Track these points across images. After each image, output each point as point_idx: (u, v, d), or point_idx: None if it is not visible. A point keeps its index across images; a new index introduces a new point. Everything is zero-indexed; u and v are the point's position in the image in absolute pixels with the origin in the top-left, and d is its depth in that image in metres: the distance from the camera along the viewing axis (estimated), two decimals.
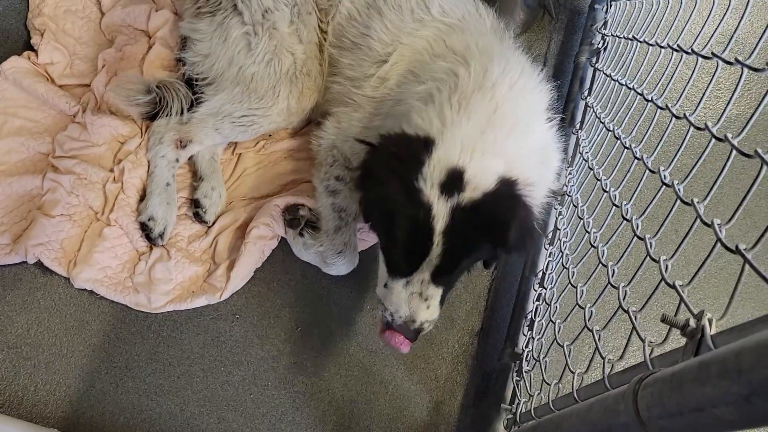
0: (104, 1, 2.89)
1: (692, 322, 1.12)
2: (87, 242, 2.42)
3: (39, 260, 2.36)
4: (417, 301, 1.83)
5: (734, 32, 1.55)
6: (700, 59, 1.67)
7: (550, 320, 2.08)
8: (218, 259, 2.49)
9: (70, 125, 2.60)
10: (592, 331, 1.66)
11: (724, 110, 1.40)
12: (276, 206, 2.48)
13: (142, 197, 2.53)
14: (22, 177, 2.49)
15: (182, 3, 2.78)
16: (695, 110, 1.57)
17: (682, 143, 1.54)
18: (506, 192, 1.73)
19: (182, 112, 2.56)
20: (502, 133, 1.79)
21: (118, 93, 2.51)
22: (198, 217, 2.55)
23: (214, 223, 2.56)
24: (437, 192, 1.70)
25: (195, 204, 2.56)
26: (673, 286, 1.28)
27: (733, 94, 1.34)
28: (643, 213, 1.63)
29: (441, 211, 1.70)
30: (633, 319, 1.41)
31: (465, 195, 1.70)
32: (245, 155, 2.72)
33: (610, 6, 2.87)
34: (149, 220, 2.46)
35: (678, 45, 1.81)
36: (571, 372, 1.70)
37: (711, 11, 1.77)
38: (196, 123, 2.52)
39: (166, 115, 2.55)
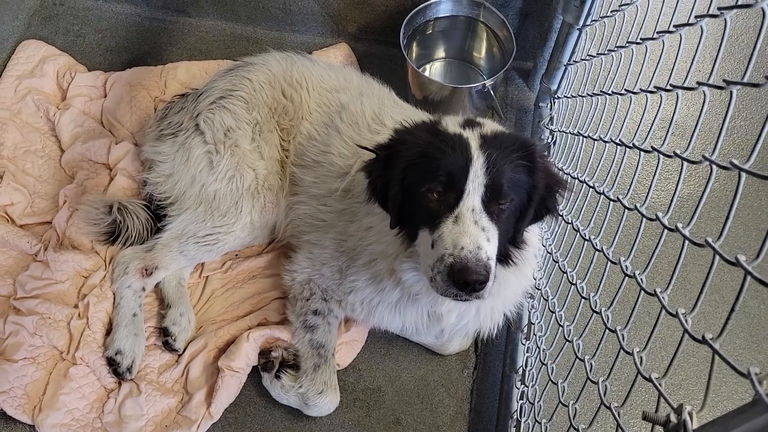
0: (63, 138, 2.95)
1: (673, 417, 1.11)
2: (52, 385, 2.34)
3: (1, 409, 2.26)
4: (474, 228, 1.64)
5: (671, 122, 1.63)
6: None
7: (536, 420, 2.04)
8: (191, 388, 2.41)
9: (32, 264, 2.57)
10: (578, 430, 1.63)
11: (672, 199, 1.45)
12: (253, 341, 2.42)
13: (109, 331, 2.47)
14: None
15: (143, 130, 2.84)
16: (645, 200, 1.62)
17: (638, 233, 1.58)
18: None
19: (143, 239, 2.57)
20: None
21: (81, 212, 2.56)
22: (167, 346, 2.49)
23: (184, 351, 2.50)
24: (461, 128, 1.80)
25: (164, 332, 2.50)
26: (649, 380, 1.27)
27: (677, 185, 1.39)
28: (611, 304, 1.64)
29: (470, 134, 1.75)
30: (616, 416, 1.39)
31: (484, 129, 1.80)
32: (212, 277, 2.70)
33: (554, 103, 3.02)
34: (116, 354, 2.39)
35: (620, 139, 1.89)
36: None
37: (646, 104, 1.87)
38: (160, 248, 2.52)
39: (126, 240, 2.56)
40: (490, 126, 1.85)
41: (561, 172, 2.51)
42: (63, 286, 2.52)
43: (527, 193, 1.77)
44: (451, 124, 1.83)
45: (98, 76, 3.20)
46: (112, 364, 2.39)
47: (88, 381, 2.38)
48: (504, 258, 1.83)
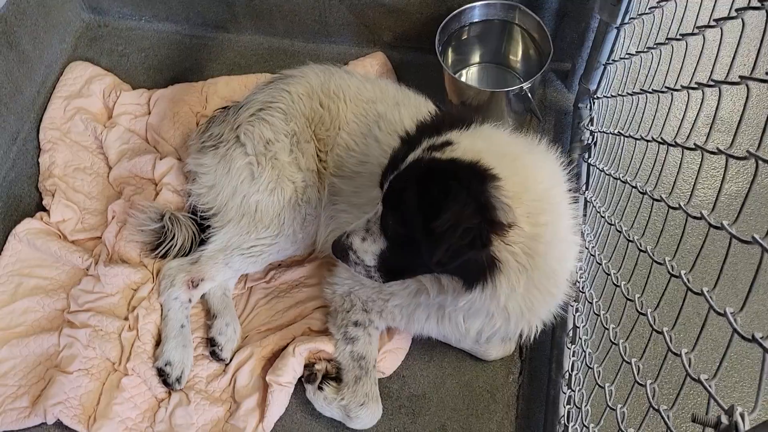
0: (111, 155, 3.04)
1: (724, 419, 1.08)
2: (105, 395, 2.40)
3: (58, 420, 2.33)
4: (361, 224, 1.92)
5: (714, 117, 1.60)
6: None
7: (584, 425, 2.01)
8: (238, 397, 2.45)
9: (83, 278, 2.65)
10: None
11: (717, 195, 1.42)
12: (299, 355, 2.44)
13: (158, 342, 2.53)
14: (39, 336, 2.53)
15: (185, 145, 2.91)
16: (690, 197, 1.59)
17: (683, 233, 1.55)
18: (471, 175, 1.61)
19: (186, 252, 2.63)
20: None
21: (134, 217, 2.65)
22: (215, 356, 2.53)
23: (231, 360, 2.54)
24: (424, 148, 1.77)
25: (210, 342, 2.54)
26: (698, 381, 1.24)
27: (722, 181, 1.36)
28: (657, 305, 1.61)
29: (416, 154, 1.78)
30: (666, 419, 1.36)
31: (438, 153, 1.71)
32: (256, 288, 2.74)
33: (593, 103, 2.97)
34: (166, 365, 2.44)
35: (662, 137, 1.86)
36: None
37: (688, 100, 1.83)
38: (205, 260, 2.57)
39: (168, 249, 2.62)
40: (450, 153, 1.70)
41: (601, 172, 2.48)
42: (113, 299, 2.59)
43: (422, 228, 1.64)
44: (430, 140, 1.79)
45: (142, 93, 3.29)
46: (162, 374, 2.45)
47: (140, 391, 2.44)
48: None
